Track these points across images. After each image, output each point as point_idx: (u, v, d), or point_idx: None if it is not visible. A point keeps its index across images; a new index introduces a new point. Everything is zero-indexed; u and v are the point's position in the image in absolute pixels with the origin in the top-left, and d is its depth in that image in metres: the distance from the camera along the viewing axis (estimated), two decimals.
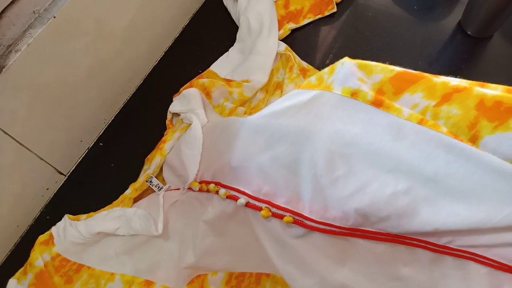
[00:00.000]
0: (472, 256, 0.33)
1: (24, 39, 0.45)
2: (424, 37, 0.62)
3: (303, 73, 0.58)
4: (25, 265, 0.48)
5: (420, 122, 0.33)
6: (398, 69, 0.35)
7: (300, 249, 0.39)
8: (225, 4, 0.68)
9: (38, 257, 0.47)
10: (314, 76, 0.40)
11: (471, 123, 0.31)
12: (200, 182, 0.47)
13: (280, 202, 0.39)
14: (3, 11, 0.43)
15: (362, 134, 0.35)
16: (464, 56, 0.59)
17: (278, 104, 0.41)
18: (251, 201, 0.41)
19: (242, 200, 0.41)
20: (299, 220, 0.38)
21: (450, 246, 0.33)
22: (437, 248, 0.34)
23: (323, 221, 0.37)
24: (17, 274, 0.48)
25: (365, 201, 0.34)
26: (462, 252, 0.33)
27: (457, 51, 0.60)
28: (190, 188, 0.48)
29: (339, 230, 0.36)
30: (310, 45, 0.61)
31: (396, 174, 0.33)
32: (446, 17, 0.64)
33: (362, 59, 0.61)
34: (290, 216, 0.38)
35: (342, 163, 0.35)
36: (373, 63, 0.37)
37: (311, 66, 0.60)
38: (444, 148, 0.32)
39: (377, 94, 0.35)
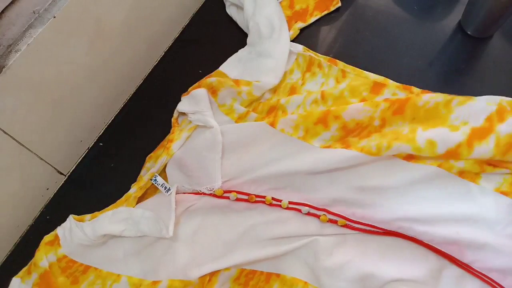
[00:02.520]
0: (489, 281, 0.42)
1: (24, 39, 0.45)
2: (424, 37, 0.62)
3: (333, 63, 0.58)
4: (29, 264, 0.48)
5: (440, 165, 0.47)
6: (440, 151, 0.45)
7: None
8: (229, 14, 0.68)
9: (43, 257, 0.47)
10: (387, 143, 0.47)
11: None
12: (229, 191, 0.49)
13: (334, 210, 0.48)
14: (3, 11, 0.43)
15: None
16: (464, 56, 0.59)
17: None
18: (312, 210, 0.48)
19: (306, 209, 0.48)
20: (349, 224, 0.47)
21: (472, 266, 0.43)
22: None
23: (369, 223, 0.46)
24: (21, 273, 0.48)
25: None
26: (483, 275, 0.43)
27: (457, 51, 0.60)
28: (213, 194, 0.49)
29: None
30: (310, 45, 0.61)
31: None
32: (446, 17, 0.64)
33: (362, 59, 0.61)
34: (343, 220, 0.47)
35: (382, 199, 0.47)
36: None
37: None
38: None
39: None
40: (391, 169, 0.47)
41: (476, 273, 0.43)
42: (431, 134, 0.45)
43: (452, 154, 0.45)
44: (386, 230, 0.46)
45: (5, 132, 0.47)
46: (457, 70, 0.58)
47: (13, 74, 0.44)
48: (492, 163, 0.45)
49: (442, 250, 0.44)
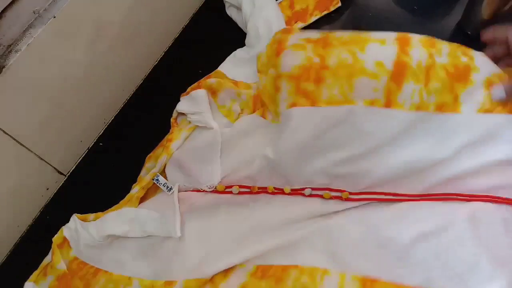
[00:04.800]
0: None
1: (24, 39, 0.45)
2: None
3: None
4: (41, 266, 0.48)
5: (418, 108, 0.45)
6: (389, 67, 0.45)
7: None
8: (229, 14, 0.68)
9: (60, 260, 0.47)
10: None
11: None
12: (230, 186, 0.49)
13: (335, 186, 0.48)
14: (3, 11, 0.43)
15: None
16: None
17: None
18: (314, 191, 0.48)
19: (308, 190, 0.48)
20: (352, 197, 0.47)
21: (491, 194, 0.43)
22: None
23: (372, 191, 0.47)
24: (33, 276, 0.48)
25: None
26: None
27: None
28: (215, 191, 0.50)
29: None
30: None
31: None
32: (446, 17, 0.64)
33: None
34: (345, 193, 0.47)
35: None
36: None
37: None
38: None
39: None
40: (372, 124, 0.45)
41: (484, 198, 0.43)
42: (372, 54, 0.44)
43: (400, 65, 0.43)
44: (386, 193, 0.46)
45: (5, 132, 0.47)
46: None
47: (13, 74, 0.44)
48: (453, 75, 0.43)
49: (442, 192, 0.44)
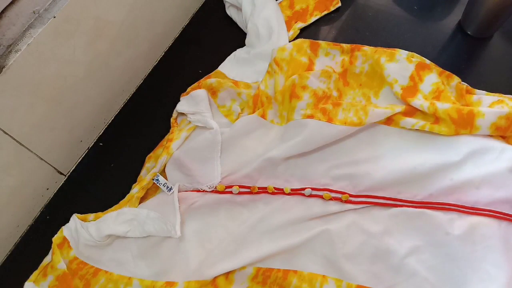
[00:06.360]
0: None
1: (24, 39, 0.45)
2: (424, 37, 0.62)
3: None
4: (41, 267, 0.48)
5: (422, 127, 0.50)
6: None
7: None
8: (229, 14, 0.68)
9: (60, 259, 0.47)
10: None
11: None
12: (230, 186, 0.49)
13: (335, 187, 0.49)
14: (3, 11, 0.43)
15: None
16: (464, 56, 0.59)
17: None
18: (314, 192, 0.49)
19: (308, 190, 0.49)
20: (352, 199, 0.48)
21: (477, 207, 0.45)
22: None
23: (371, 194, 0.48)
24: (33, 276, 0.48)
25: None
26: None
27: (457, 51, 0.60)
28: (215, 191, 0.50)
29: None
30: None
31: None
32: (446, 17, 0.64)
33: None
34: (345, 195, 0.48)
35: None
36: None
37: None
38: None
39: None
40: (375, 137, 0.50)
41: (485, 212, 0.43)
42: (383, 103, 0.52)
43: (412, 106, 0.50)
44: (387, 198, 0.47)
45: (5, 132, 0.47)
46: (457, 70, 0.58)
47: (13, 74, 0.44)
48: (457, 122, 0.48)
49: (443, 201, 0.45)
